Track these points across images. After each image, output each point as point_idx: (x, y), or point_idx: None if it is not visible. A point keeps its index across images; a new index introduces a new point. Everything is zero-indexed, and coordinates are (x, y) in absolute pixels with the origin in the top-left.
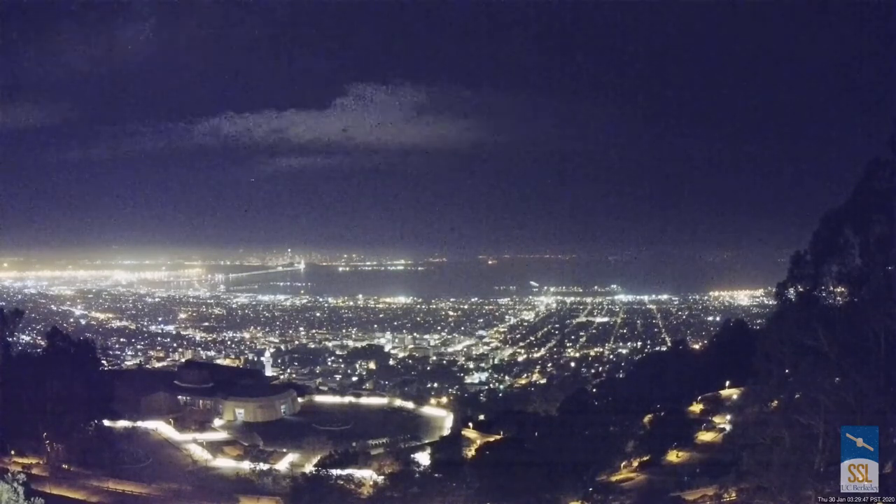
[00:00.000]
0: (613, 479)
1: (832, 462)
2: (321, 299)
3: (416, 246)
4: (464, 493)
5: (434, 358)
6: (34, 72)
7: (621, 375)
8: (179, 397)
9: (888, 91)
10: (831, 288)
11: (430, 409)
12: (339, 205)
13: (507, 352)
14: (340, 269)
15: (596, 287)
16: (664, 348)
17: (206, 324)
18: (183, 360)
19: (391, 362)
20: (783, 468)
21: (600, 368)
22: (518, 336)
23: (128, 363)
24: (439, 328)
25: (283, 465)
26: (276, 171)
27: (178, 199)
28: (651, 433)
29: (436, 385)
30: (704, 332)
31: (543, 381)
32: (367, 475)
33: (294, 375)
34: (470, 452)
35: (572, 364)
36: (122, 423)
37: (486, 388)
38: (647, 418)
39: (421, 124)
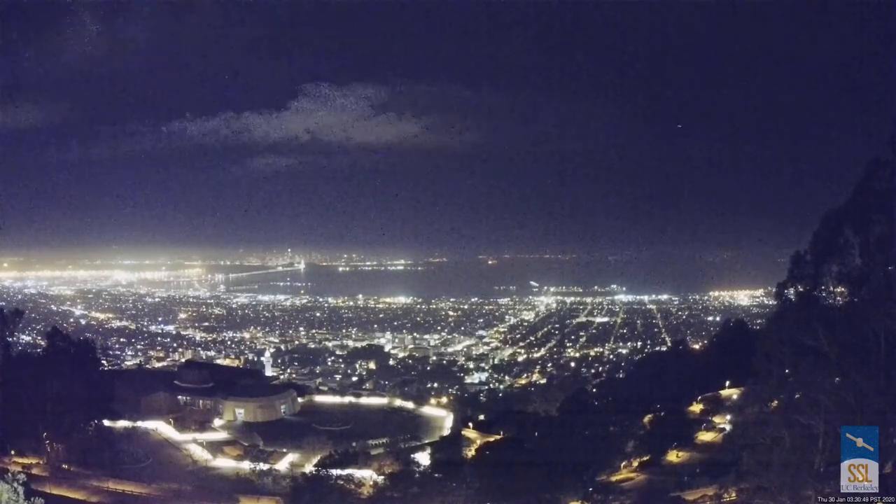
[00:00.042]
0: (613, 479)
1: (832, 462)
2: (321, 299)
3: (416, 246)
4: (464, 493)
5: (434, 358)
6: (33, 71)
7: (621, 375)
8: (179, 397)
9: (888, 91)
10: (831, 288)
11: (430, 409)
12: (339, 205)
13: (507, 352)
14: (340, 269)
15: (596, 287)
16: (664, 348)
17: (206, 324)
18: (183, 360)
19: (391, 362)
20: (783, 468)
21: (600, 368)
22: (518, 336)
23: (128, 363)
24: (439, 328)
25: (283, 465)
26: (276, 170)
27: (178, 199)
28: (651, 433)
29: (436, 385)
30: (704, 332)
31: (543, 381)
32: (367, 475)
33: (294, 375)
34: (470, 452)
35: (572, 364)
36: (122, 423)
37: (486, 388)
38: (647, 418)
39: (421, 124)
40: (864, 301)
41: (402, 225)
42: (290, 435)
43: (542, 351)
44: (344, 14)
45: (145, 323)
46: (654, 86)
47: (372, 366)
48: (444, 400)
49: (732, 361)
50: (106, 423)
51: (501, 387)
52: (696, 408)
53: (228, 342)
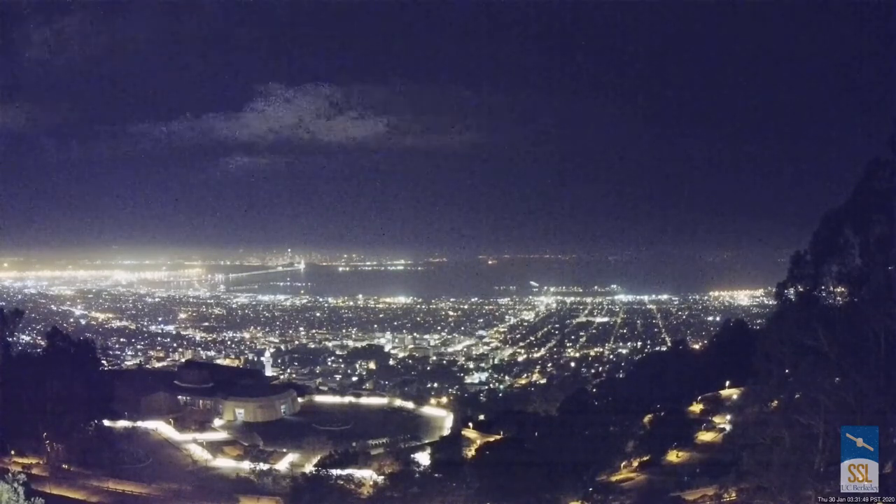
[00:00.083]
0: (613, 479)
1: (832, 462)
2: (321, 299)
3: (416, 246)
4: (464, 493)
5: (434, 358)
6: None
7: (621, 375)
8: (179, 397)
9: (888, 91)
10: (831, 288)
11: (430, 409)
12: (339, 205)
13: (507, 352)
14: (340, 269)
15: (596, 287)
16: (664, 348)
17: (206, 324)
18: (183, 360)
19: (391, 362)
20: (783, 468)
21: (600, 368)
22: (518, 336)
23: (128, 363)
24: (439, 328)
25: (283, 465)
26: (276, 170)
27: (178, 199)
28: (651, 433)
29: (436, 385)
30: (704, 332)
31: (543, 381)
32: (367, 475)
33: (294, 375)
34: (470, 452)
35: (572, 364)
36: (122, 423)
37: (486, 388)
38: (647, 418)
39: (420, 124)
40: (864, 301)
41: (402, 225)
42: (290, 435)
43: (542, 351)
44: (343, 14)
45: (145, 323)
46: (654, 86)
47: (372, 366)
48: (444, 400)
49: (732, 361)
50: (106, 423)
51: (501, 387)
52: (696, 408)
53: (228, 342)
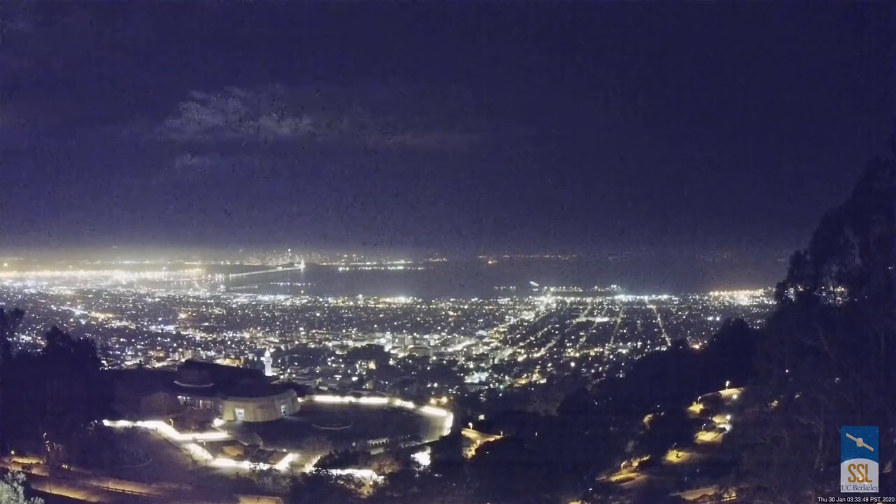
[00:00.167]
0: (613, 479)
1: (832, 462)
2: (321, 299)
3: (416, 246)
4: (464, 493)
5: (434, 358)
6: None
7: (621, 375)
8: (179, 397)
9: (888, 91)
10: (831, 288)
11: (430, 409)
12: (339, 205)
13: (507, 352)
14: (340, 269)
15: (596, 287)
16: (664, 348)
17: (206, 324)
18: (183, 360)
19: (391, 362)
20: (783, 468)
21: (600, 368)
22: (518, 336)
23: (128, 363)
24: (439, 328)
25: (283, 465)
26: (276, 169)
27: (178, 199)
28: (651, 433)
29: (436, 385)
30: (704, 332)
31: (543, 381)
32: (367, 475)
33: (294, 375)
34: (470, 452)
35: (572, 364)
36: (122, 423)
37: (486, 388)
38: (647, 418)
39: (421, 124)
40: (864, 301)
41: (402, 225)
42: (290, 435)
43: (542, 351)
44: (344, 15)
45: (145, 323)
46: (654, 86)
47: (372, 366)
48: (444, 400)
49: (732, 361)
50: (106, 423)
51: (501, 387)
52: (696, 408)
53: (228, 342)
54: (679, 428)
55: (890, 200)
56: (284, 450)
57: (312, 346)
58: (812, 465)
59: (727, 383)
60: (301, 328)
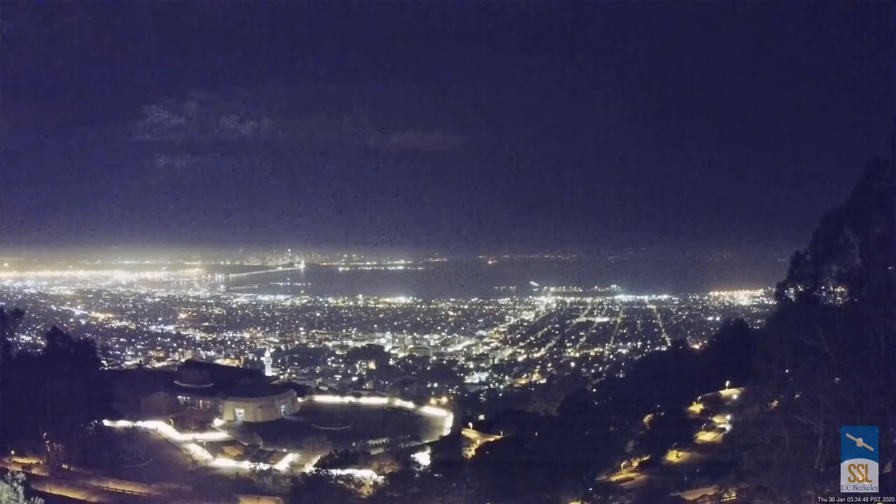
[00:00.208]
0: (613, 479)
1: (832, 462)
2: (321, 299)
3: (416, 246)
4: (464, 493)
5: (434, 358)
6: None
7: (621, 375)
8: (179, 397)
9: (888, 91)
10: (831, 288)
11: (430, 409)
12: (339, 205)
13: (507, 352)
14: (340, 269)
15: (596, 287)
16: (664, 348)
17: (206, 324)
18: (183, 360)
19: (391, 362)
20: (783, 468)
21: (600, 368)
22: (518, 336)
23: (128, 363)
24: (439, 328)
25: (283, 465)
26: (276, 169)
27: (178, 200)
28: (651, 433)
29: (436, 385)
30: (704, 332)
31: (543, 381)
32: (367, 475)
33: (294, 375)
34: (470, 452)
35: (572, 364)
36: (122, 423)
37: (486, 388)
38: (647, 418)
39: (420, 124)
40: (864, 301)
41: (402, 225)
42: (290, 435)
43: (542, 351)
44: (344, 15)
45: (145, 323)
46: (654, 86)
47: (372, 366)
48: (444, 400)
49: (732, 361)
50: (106, 423)
51: (501, 387)
52: (696, 408)
53: (228, 342)
54: (679, 428)
55: (890, 200)
56: (284, 450)
57: (312, 346)
58: (812, 465)
59: (727, 383)
60: (301, 328)
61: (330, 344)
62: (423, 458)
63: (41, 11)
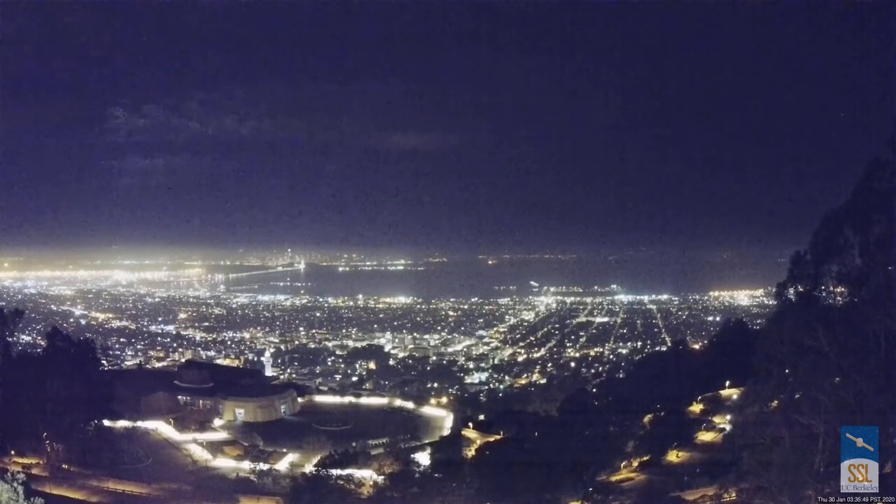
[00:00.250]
0: (613, 479)
1: (832, 462)
2: (321, 299)
3: (416, 246)
4: (464, 493)
5: (434, 358)
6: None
7: (621, 375)
8: (179, 397)
9: (888, 91)
10: (831, 288)
11: (430, 409)
12: (339, 205)
13: (507, 352)
14: (340, 269)
15: (596, 287)
16: (664, 348)
17: (206, 324)
18: (183, 360)
19: (391, 362)
20: (783, 468)
21: (600, 368)
22: (518, 336)
23: (128, 363)
24: (439, 328)
25: (283, 465)
26: (276, 169)
27: (178, 199)
28: (651, 433)
29: (436, 385)
30: (704, 332)
31: (543, 381)
32: (367, 475)
33: (294, 375)
34: (470, 452)
35: (572, 364)
36: (122, 423)
37: (486, 388)
38: (647, 418)
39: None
40: (864, 301)
41: (402, 225)
42: (290, 435)
43: (542, 351)
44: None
45: (145, 323)
46: (654, 86)
47: (372, 366)
48: (444, 400)
49: (732, 361)
50: (106, 423)
51: (501, 387)
52: (696, 408)
53: (228, 342)
54: (679, 428)
55: (890, 200)
56: (284, 450)
57: (312, 346)
58: (812, 465)
59: (727, 383)
60: (301, 328)
61: (330, 344)
62: (423, 458)
63: (41, 11)
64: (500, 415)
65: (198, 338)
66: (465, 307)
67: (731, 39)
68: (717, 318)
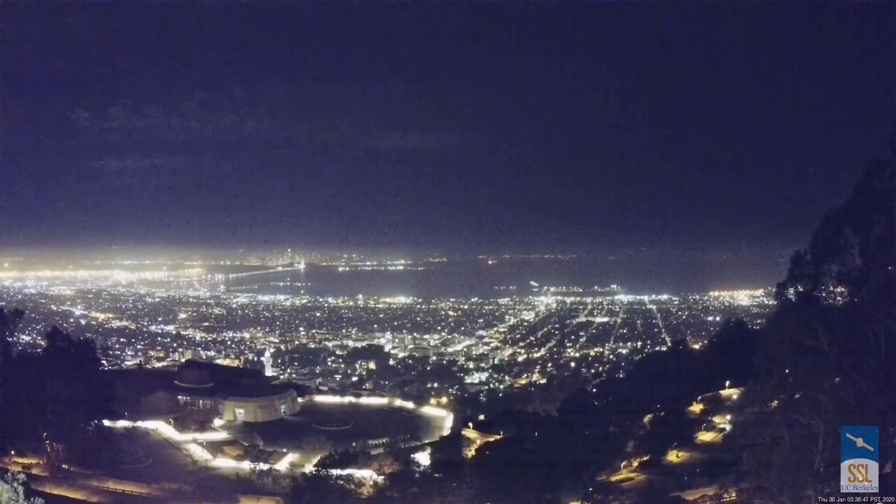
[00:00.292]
0: (613, 479)
1: (832, 462)
2: (321, 299)
3: (416, 246)
4: (464, 493)
5: (434, 358)
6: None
7: (621, 375)
8: (179, 397)
9: (888, 91)
10: (831, 288)
11: (430, 409)
12: (339, 205)
13: (507, 352)
14: (340, 269)
15: (596, 287)
16: (664, 348)
17: (206, 324)
18: (183, 360)
19: (391, 362)
20: (783, 468)
21: (600, 368)
22: (518, 336)
23: (128, 363)
24: (439, 328)
25: (283, 465)
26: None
27: (178, 199)
28: (651, 433)
29: (436, 385)
30: (704, 332)
31: (543, 381)
32: (367, 475)
33: (294, 375)
34: (470, 452)
35: (572, 364)
36: (122, 423)
37: (486, 388)
38: (647, 418)
39: (421, 124)
40: (864, 301)
41: (402, 225)
42: (290, 435)
43: (542, 351)
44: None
45: (145, 323)
46: (654, 86)
47: (372, 366)
48: (444, 400)
49: (732, 361)
50: (106, 423)
51: (501, 387)
52: (696, 408)
53: (228, 342)
54: (679, 428)
55: (890, 200)
56: (284, 450)
57: (312, 346)
58: (812, 465)
59: (727, 383)
60: (301, 328)
61: (330, 344)
62: (423, 458)
63: (41, 11)
64: (500, 415)
65: (198, 338)
66: (465, 307)
67: (731, 40)
68: (717, 318)
